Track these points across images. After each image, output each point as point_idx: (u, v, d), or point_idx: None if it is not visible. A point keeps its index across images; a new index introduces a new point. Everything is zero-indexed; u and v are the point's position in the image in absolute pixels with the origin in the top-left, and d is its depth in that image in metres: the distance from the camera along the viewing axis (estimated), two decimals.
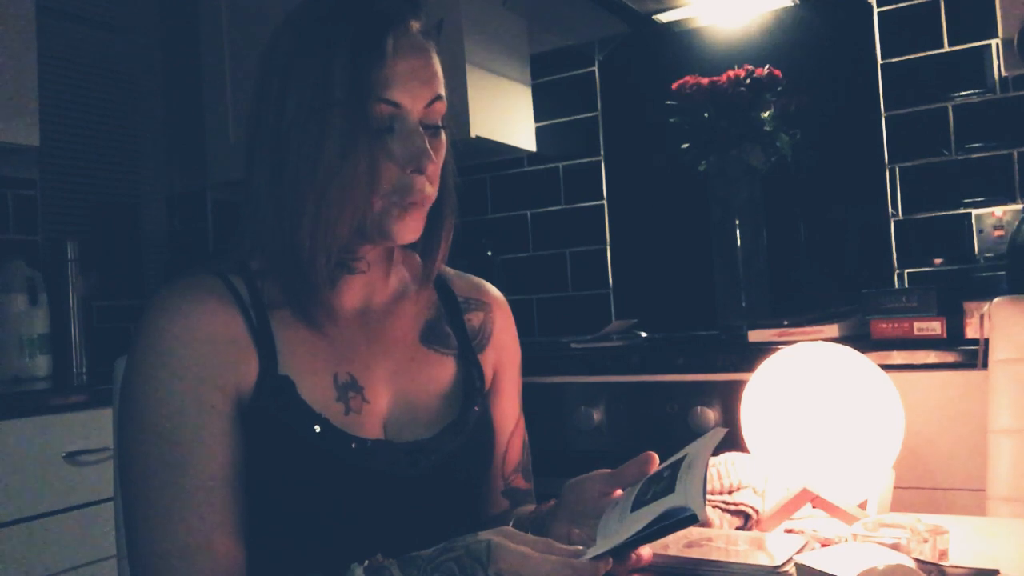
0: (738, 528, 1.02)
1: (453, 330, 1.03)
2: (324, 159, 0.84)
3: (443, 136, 0.92)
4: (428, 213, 0.92)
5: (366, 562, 0.75)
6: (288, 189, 0.86)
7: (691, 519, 0.72)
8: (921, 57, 2.12)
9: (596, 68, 2.59)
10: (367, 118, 0.85)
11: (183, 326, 0.84)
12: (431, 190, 0.90)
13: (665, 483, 0.77)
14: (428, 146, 0.87)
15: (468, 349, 1.03)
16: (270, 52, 0.91)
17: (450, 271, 1.09)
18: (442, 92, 0.90)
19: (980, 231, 2.04)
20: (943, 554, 0.86)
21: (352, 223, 0.87)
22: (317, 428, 0.86)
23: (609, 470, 0.87)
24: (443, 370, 0.99)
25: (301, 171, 0.85)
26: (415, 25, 0.90)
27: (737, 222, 2.10)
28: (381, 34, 0.86)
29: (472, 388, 1.00)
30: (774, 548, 0.88)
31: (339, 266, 0.92)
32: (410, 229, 0.90)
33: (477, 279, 1.10)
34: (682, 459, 0.79)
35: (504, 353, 1.08)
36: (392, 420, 0.93)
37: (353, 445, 0.87)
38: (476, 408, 0.99)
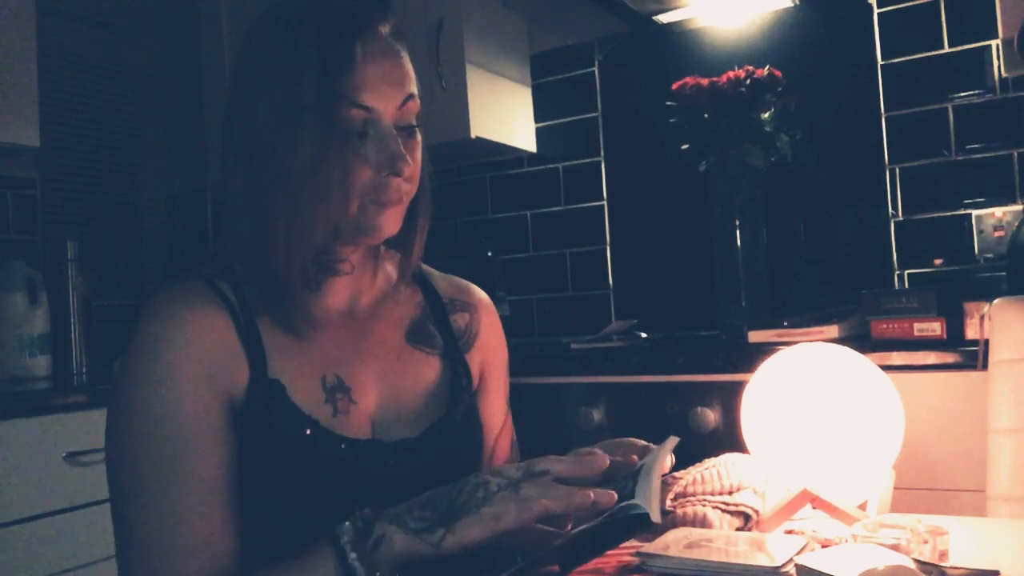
0: (738, 529, 1.02)
1: (439, 330, 1.03)
2: (296, 166, 0.84)
3: (418, 136, 0.92)
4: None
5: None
6: (262, 196, 0.86)
7: (645, 518, 0.74)
8: (921, 57, 2.12)
9: (596, 68, 2.59)
10: (339, 124, 0.85)
11: (174, 332, 0.84)
12: (408, 188, 0.91)
13: (628, 491, 0.79)
14: (403, 148, 0.87)
15: (454, 348, 1.03)
16: (242, 55, 0.91)
17: (435, 273, 1.09)
18: (414, 91, 0.90)
19: (980, 231, 2.04)
20: (943, 555, 0.86)
21: (326, 229, 0.87)
22: (308, 431, 0.87)
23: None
24: (429, 369, 1.00)
25: (274, 178, 0.85)
26: (384, 28, 0.89)
27: (737, 222, 2.10)
28: (350, 39, 0.85)
29: (459, 386, 1.01)
30: (774, 549, 0.88)
31: (323, 269, 0.92)
32: (389, 223, 0.90)
33: (462, 281, 1.11)
34: (640, 468, 0.82)
35: (490, 354, 1.08)
36: (380, 419, 0.94)
37: (343, 446, 0.88)
38: (463, 406, 0.99)
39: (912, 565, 0.77)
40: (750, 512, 1.03)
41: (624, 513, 0.74)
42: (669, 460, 0.86)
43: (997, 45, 2.01)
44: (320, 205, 0.85)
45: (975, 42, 2.05)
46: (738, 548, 0.90)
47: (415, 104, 0.90)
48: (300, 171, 0.84)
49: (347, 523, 0.77)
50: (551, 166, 2.65)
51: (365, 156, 0.87)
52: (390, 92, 0.87)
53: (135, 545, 0.82)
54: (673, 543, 0.90)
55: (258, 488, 0.86)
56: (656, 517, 0.73)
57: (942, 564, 0.83)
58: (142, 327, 0.86)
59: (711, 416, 1.74)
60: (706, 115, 2.09)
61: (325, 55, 0.85)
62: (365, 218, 0.88)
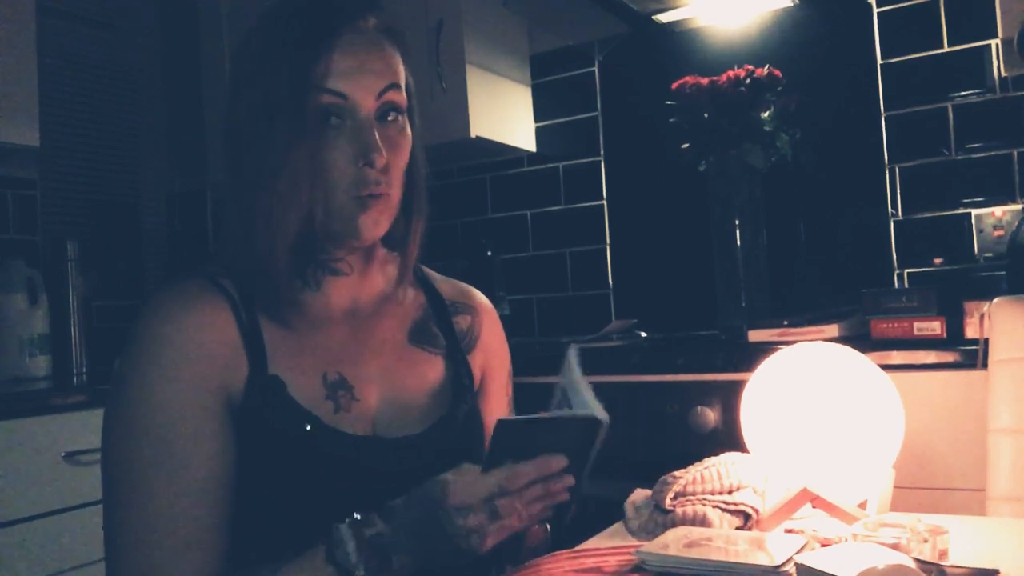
0: (738, 528, 1.02)
1: (441, 331, 1.04)
2: (272, 157, 0.85)
3: (407, 130, 0.92)
4: (399, 211, 0.93)
5: (347, 520, 0.79)
6: (244, 188, 0.88)
7: (595, 421, 0.79)
8: (921, 57, 2.12)
9: (596, 68, 2.59)
10: (310, 114, 0.86)
11: (174, 331, 0.85)
12: (388, 180, 0.90)
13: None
14: (377, 139, 0.87)
15: (457, 349, 1.04)
16: (236, 55, 0.94)
17: (436, 276, 1.10)
18: (398, 81, 0.90)
19: (980, 231, 2.04)
20: (943, 554, 0.86)
21: (301, 219, 0.87)
22: (308, 427, 0.87)
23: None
24: (432, 369, 1.01)
25: (253, 170, 0.87)
26: (368, 22, 0.90)
27: (737, 222, 2.09)
28: (324, 31, 0.87)
29: (461, 386, 1.02)
30: (774, 548, 0.88)
31: (320, 268, 0.93)
32: (370, 223, 0.90)
33: (463, 284, 1.12)
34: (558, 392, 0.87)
35: (491, 356, 1.09)
36: (381, 417, 0.94)
37: (343, 442, 0.89)
38: (465, 406, 1.00)
39: (912, 564, 0.77)
40: (750, 511, 1.03)
41: (577, 417, 0.79)
42: (576, 365, 0.89)
43: (997, 44, 2.01)
44: (294, 196, 0.86)
45: (975, 41, 2.05)
46: (738, 547, 0.90)
47: (398, 95, 0.90)
48: (274, 162, 0.85)
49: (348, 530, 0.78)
50: (551, 166, 2.65)
51: (339, 147, 0.87)
52: (367, 81, 0.87)
53: (125, 544, 0.82)
54: (673, 542, 0.90)
55: (259, 484, 0.86)
56: (603, 416, 0.79)
57: (942, 563, 0.83)
58: (142, 325, 0.86)
59: (711, 415, 1.74)
60: (706, 115, 2.09)
61: (297, 48, 0.86)
62: (345, 218, 0.88)
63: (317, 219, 0.88)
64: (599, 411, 0.79)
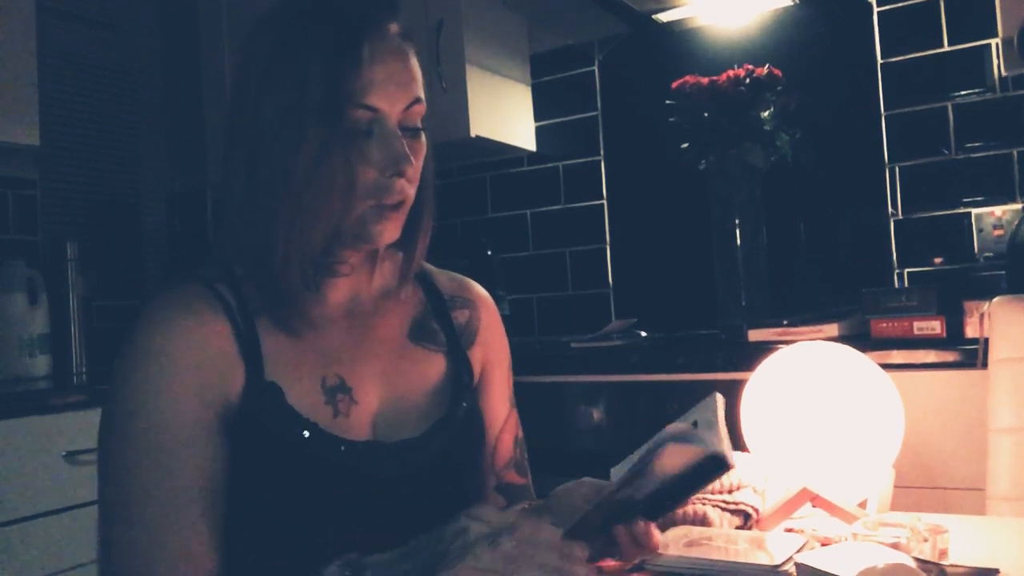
0: (738, 527, 1.02)
1: (440, 327, 1.03)
2: (300, 165, 0.84)
3: (423, 138, 0.92)
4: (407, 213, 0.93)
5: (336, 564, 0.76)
6: (263, 194, 0.86)
7: (721, 463, 0.70)
8: (921, 57, 2.12)
9: (596, 68, 2.59)
10: (344, 124, 0.85)
11: (171, 342, 0.84)
12: (411, 191, 0.90)
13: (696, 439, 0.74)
14: (407, 149, 0.87)
15: (456, 345, 1.03)
16: (247, 54, 0.90)
17: (435, 270, 1.09)
18: (421, 95, 0.90)
19: (980, 231, 2.04)
20: (943, 553, 0.86)
21: (328, 229, 0.86)
22: (305, 433, 0.86)
23: (594, 480, 0.86)
24: (432, 367, 1.00)
25: (277, 177, 0.85)
26: (393, 28, 0.89)
27: (737, 222, 2.10)
28: (358, 39, 0.85)
29: (460, 384, 1.01)
30: (774, 547, 0.88)
31: (321, 270, 0.92)
32: (389, 231, 0.90)
33: (462, 277, 1.11)
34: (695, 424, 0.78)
35: (491, 350, 1.08)
36: (381, 419, 0.93)
37: (342, 448, 0.87)
38: (464, 404, 0.99)
39: (912, 563, 0.77)
40: (750, 511, 1.03)
41: (701, 467, 0.71)
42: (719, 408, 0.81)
43: (997, 44, 2.01)
44: (322, 206, 0.85)
45: (975, 41, 2.05)
46: (738, 546, 0.90)
47: (421, 107, 0.90)
48: (303, 171, 0.84)
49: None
50: (551, 165, 2.65)
51: (368, 156, 0.86)
52: (397, 93, 0.87)
53: (120, 553, 0.81)
54: (673, 541, 0.90)
55: (258, 492, 0.86)
56: (731, 459, 0.70)
57: (942, 562, 0.83)
58: (137, 334, 0.85)
59: None
60: (706, 114, 2.09)
61: (332, 56, 0.84)
62: (365, 224, 0.88)
63: (339, 228, 0.88)
64: (729, 453, 0.70)
